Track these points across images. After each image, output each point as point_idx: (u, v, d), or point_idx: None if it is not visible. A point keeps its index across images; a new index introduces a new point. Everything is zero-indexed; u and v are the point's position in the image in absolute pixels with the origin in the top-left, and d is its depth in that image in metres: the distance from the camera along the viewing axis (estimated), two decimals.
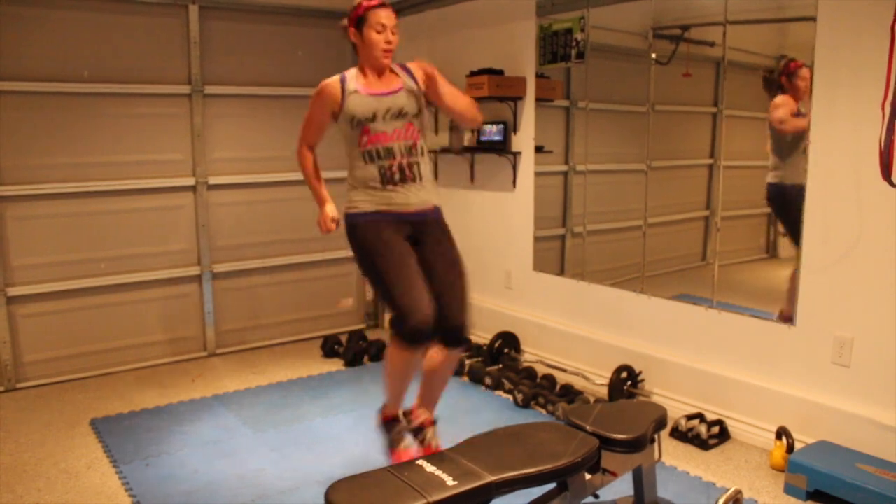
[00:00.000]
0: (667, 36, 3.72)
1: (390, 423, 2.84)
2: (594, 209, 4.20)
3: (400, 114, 2.59)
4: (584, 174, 4.22)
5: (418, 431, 2.77)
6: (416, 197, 2.63)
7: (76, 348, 4.29)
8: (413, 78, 2.67)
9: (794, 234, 3.15)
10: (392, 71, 2.67)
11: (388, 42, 2.57)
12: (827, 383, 3.06)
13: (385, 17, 2.56)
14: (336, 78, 2.62)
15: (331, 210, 2.72)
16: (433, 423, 2.78)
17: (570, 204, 4.39)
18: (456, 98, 2.64)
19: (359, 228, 2.63)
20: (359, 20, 2.58)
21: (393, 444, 2.83)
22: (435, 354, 2.69)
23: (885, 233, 2.82)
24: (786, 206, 3.40)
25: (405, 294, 2.50)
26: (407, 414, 2.83)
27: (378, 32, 2.56)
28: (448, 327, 2.61)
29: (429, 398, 2.83)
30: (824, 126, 2.97)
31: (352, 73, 2.63)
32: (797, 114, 3.28)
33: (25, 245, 4.08)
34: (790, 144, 3.32)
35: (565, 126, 4.33)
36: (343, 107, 2.58)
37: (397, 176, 2.58)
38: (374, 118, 2.56)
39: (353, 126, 2.58)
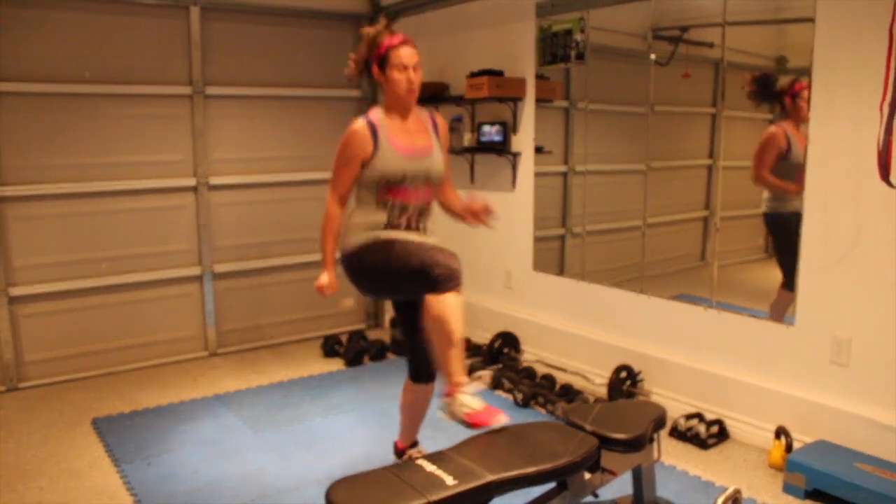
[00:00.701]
0: (666, 37, 3.72)
1: (402, 453, 2.91)
2: (594, 209, 4.20)
3: (427, 178, 2.59)
4: (583, 174, 4.23)
5: (450, 404, 2.68)
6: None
7: (78, 348, 4.30)
8: (437, 136, 2.68)
9: (788, 266, 3.15)
10: (417, 115, 2.66)
11: (411, 81, 2.53)
12: (825, 383, 3.06)
13: (406, 56, 2.52)
14: (364, 124, 2.53)
15: (330, 278, 2.67)
16: (462, 385, 2.57)
17: (569, 204, 4.40)
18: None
19: (362, 255, 2.58)
20: (381, 59, 2.54)
21: None
22: (428, 307, 2.49)
23: (884, 233, 2.83)
24: (785, 235, 3.36)
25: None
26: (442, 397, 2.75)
27: (400, 72, 2.52)
28: (430, 268, 2.45)
29: (448, 364, 2.56)
30: (823, 127, 2.98)
31: (378, 117, 2.56)
32: (786, 153, 3.26)
33: (27, 245, 4.09)
34: (782, 178, 3.30)
35: (565, 127, 4.34)
36: (373, 160, 2.50)
37: (403, 225, 2.58)
38: (402, 180, 2.53)
39: (377, 182, 2.53)
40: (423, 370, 2.73)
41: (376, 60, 2.56)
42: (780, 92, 3.24)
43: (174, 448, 3.32)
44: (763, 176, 3.35)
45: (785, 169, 3.28)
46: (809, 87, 2.99)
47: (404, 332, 2.82)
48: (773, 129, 3.32)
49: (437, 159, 2.63)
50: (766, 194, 3.43)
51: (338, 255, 2.68)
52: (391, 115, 2.59)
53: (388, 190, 2.53)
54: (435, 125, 2.71)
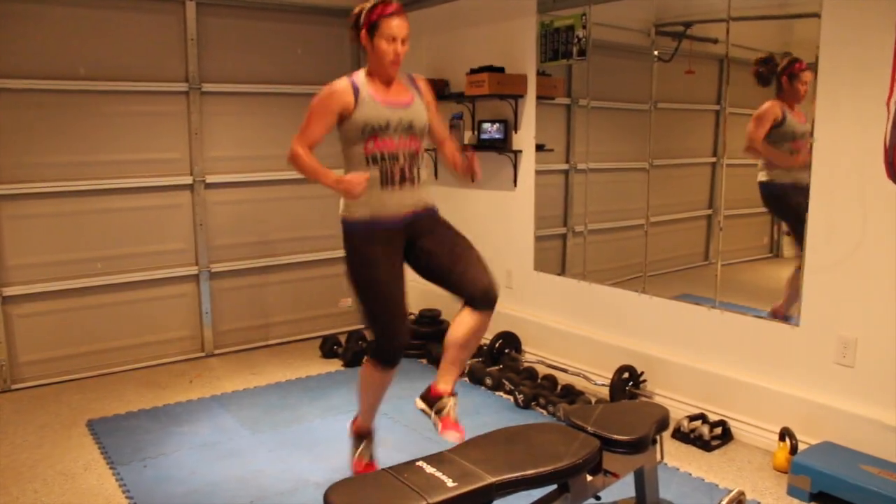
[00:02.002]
0: (669, 33, 3.70)
1: (361, 436, 2.95)
2: (595, 208, 4.17)
3: (410, 127, 2.63)
4: (585, 173, 4.20)
5: (435, 402, 2.69)
6: (410, 198, 2.66)
7: (73, 349, 4.26)
8: (419, 94, 2.72)
9: (797, 231, 3.12)
10: (399, 80, 2.69)
11: (397, 53, 2.57)
12: (831, 384, 3.03)
13: (397, 27, 2.55)
14: (346, 81, 2.59)
15: (342, 176, 2.60)
16: (452, 395, 2.69)
17: (571, 203, 4.37)
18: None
19: (354, 238, 2.66)
20: (371, 26, 2.57)
21: (359, 456, 2.93)
22: (464, 320, 2.61)
23: (890, 232, 2.80)
24: (781, 205, 3.37)
25: (389, 319, 2.65)
26: (427, 391, 2.76)
27: (388, 43, 2.55)
28: (474, 291, 2.60)
29: (451, 370, 2.71)
30: (828, 124, 2.95)
31: (361, 78, 2.62)
32: (780, 122, 3.25)
33: (21, 244, 4.05)
34: (775, 144, 3.30)
35: (566, 124, 4.31)
36: (355, 112, 2.56)
37: (397, 177, 2.62)
38: (386, 128, 2.58)
39: (362, 132, 2.57)
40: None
41: (366, 26, 2.58)
42: (778, 71, 3.24)
43: (170, 450, 3.28)
44: (755, 145, 3.35)
45: (779, 137, 3.28)
46: (815, 84, 2.96)
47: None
48: (768, 103, 3.31)
49: (419, 110, 2.67)
50: (761, 165, 3.41)
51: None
52: (373, 78, 2.63)
53: (374, 140, 2.57)
54: (415, 84, 2.75)
